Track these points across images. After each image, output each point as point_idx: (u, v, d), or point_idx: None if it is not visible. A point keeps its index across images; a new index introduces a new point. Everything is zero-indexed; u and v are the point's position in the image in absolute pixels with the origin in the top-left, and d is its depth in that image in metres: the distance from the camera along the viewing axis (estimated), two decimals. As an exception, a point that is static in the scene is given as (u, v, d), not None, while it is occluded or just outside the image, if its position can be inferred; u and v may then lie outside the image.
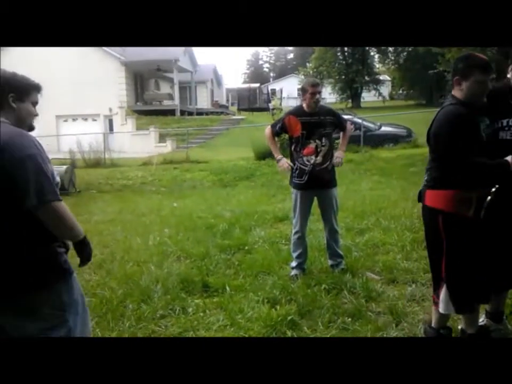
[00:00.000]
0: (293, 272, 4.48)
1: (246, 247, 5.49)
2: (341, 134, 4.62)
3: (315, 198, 4.55)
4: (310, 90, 4.24)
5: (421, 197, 2.94)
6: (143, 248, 5.78)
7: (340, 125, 4.52)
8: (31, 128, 2.19)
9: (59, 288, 2.13)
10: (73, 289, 2.20)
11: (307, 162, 4.33)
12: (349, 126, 4.68)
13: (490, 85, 2.68)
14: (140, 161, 16.49)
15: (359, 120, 14.42)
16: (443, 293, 2.85)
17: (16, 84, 2.12)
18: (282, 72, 71.59)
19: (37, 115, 2.22)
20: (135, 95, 28.15)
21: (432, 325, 3.05)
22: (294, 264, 4.54)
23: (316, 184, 4.37)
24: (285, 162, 4.38)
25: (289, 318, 3.47)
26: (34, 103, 2.21)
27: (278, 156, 4.49)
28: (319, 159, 4.31)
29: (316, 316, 3.57)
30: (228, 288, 4.17)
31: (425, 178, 2.92)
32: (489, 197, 2.65)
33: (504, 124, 2.82)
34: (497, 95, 2.83)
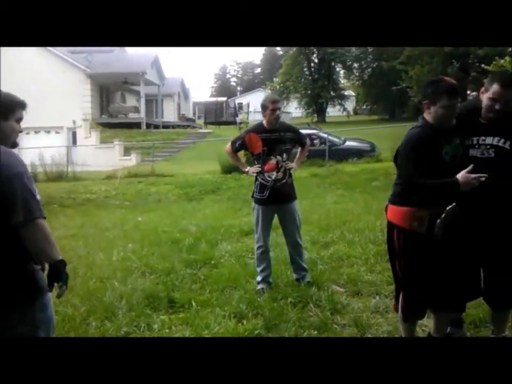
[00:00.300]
0: (259, 286, 4.49)
1: (212, 262, 5.47)
2: (299, 148, 4.71)
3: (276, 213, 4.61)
4: (271, 107, 4.30)
5: (386, 211, 3.10)
6: (107, 263, 5.67)
7: (299, 141, 4.62)
8: (15, 145, 2.22)
9: (34, 305, 2.13)
10: (47, 307, 2.21)
11: (268, 178, 4.39)
12: (308, 142, 4.78)
13: (458, 108, 2.80)
14: (104, 175, 16.25)
15: (325, 135, 14.65)
16: (400, 302, 3.05)
17: (0, 103, 2.13)
18: (249, 86, 72.12)
19: (21, 131, 2.24)
20: (100, 107, 27.82)
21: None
22: (259, 278, 4.56)
23: (277, 199, 4.43)
24: (253, 169, 4.48)
25: (256, 332, 3.48)
26: (19, 120, 2.22)
27: (245, 168, 4.62)
28: (280, 174, 4.39)
29: (282, 329, 3.58)
30: (194, 303, 4.14)
31: (390, 193, 3.05)
32: (443, 215, 2.77)
33: (474, 141, 2.91)
34: (467, 113, 2.95)
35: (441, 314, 3.08)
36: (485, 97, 2.86)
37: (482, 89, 2.91)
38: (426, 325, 3.47)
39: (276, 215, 4.61)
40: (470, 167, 2.72)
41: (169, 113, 35.60)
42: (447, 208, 2.77)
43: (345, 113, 41.65)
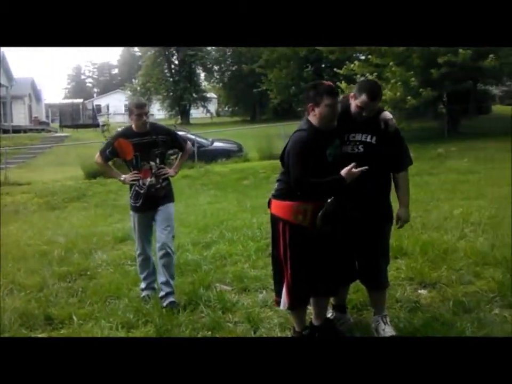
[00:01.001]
0: (144, 293, 4.31)
1: (88, 272, 5.16)
2: (180, 154, 4.45)
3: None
4: (136, 112, 4.01)
5: (269, 204, 3.22)
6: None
7: (176, 144, 4.34)
8: None
9: None
10: None
11: (143, 186, 4.11)
12: (189, 146, 4.50)
13: (339, 107, 3.01)
14: None
15: (192, 137, 14.63)
16: (283, 291, 3.15)
17: None
18: (106, 87, 69.40)
19: None
20: None
21: (296, 329, 3.27)
22: (143, 285, 4.35)
23: (152, 205, 4.17)
24: (129, 176, 4.14)
25: (147, 340, 3.34)
26: None
27: (120, 177, 4.25)
28: (153, 180, 4.11)
29: (175, 334, 3.49)
30: (74, 317, 3.85)
31: (274, 188, 3.16)
32: (323, 208, 2.97)
33: (346, 138, 3.16)
34: (340, 113, 3.13)
35: (320, 300, 3.28)
36: (353, 104, 3.12)
37: (352, 94, 3.18)
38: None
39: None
40: (352, 164, 2.94)
41: (20, 117, 32.88)
42: (327, 201, 2.96)
43: (208, 115, 42.12)
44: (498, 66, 15.72)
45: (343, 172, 2.94)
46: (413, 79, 15.49)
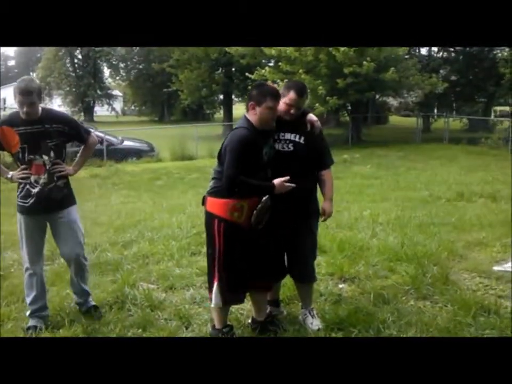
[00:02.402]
0: (30, 323, 3.52)
1: (1, 273, 4.82)
2: (82, 147, 3.75)
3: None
4: (19, 99, 3.25)
5: (204, 202, 3.25)
6: None
7: (76, 135, 3.61)
8: None
9: None
10: None
11: (35, 184, 3.41)
12: (93, 139, 3.75)
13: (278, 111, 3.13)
14: None
15: (101, 134, 14.14)
16: (214, 288, 3.18)
17: None
18: (2, 80, 64.49)
19: None
20: None
21: (216, 326, 3.31)
22: (28, 312, 3.58)
23: (46, 208, 3.46)
24: (18, 173, 3.44)
25: (77, 339, 3.23)
26: None
27: (7, 174, 3.52)
28: (45, 177, 3.42)
29: (104, 332, 3.40)
30: (-9, 319, 3.61)
31: (209, 185, 3.20)
32: (259, 205, 3.05)
33: (276, 137, 3.28)
34: None
35: (257, 296, 3.38)
36: (282, 102, 3.22)
37: (280, 93, 3.26)
38: (243, 309, 3.73)
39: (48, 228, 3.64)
40: (285, 178, 3.05)
41: None
42: (262, 200, 3.05)
43: (113, 113, 40.80)
44: (398, 78, 16.94)
45: (276, 182, 3.04)
46: (320, 87, 16.20)
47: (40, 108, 3.40)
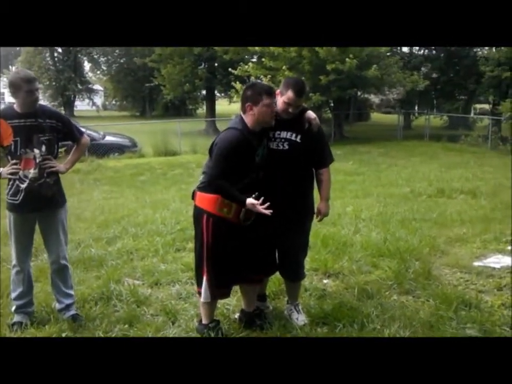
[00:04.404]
0: (15, 318, 3.52)
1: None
2: (74, 147, 3.71)
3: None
4: (25, 88, 3.27)
5: (193, 197, 3.25)
6: None
7: (69, 133, 3.59)
8: None
9: None
10: None
11: (25, 178, 3.38)
12: (85, 139, 3.73)
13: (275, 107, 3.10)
14: None
15: (83, 129, 13.93)
16: (204, 283, 3.20)
17: None
18: (-22, 72, 63.34)
19: None
20: None
21: (203, 321, 3.33)
22: (13, 307, 3.57)
23: (35, 205, 3.43)
24: (7, 169, 3.39)
25: (63, 335, 3.22)
26: None
27: None
28: (36, 172, 3.39)
29: (90, 328, 3.40)
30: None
31: (200, 180, 3.21)
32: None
33: (271, 135, 3.25)
34: None
35: (247, 289, 3.41)
36: (280, 100, 3.20)
37: (278, 91, 3.26)
38: (230, 304, 3.76)
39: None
40: (260, 201, 2.99)
41: None
42: (252, 196, 3.03)
43: (94, 107, 40.35)
44: (380, 76, 17.09)
45: (249, 201, 2.99)
46: (303, 83, 16.24)
47: None
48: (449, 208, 7.14)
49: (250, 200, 3.00)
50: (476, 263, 4.61)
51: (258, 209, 2.98)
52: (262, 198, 2.99)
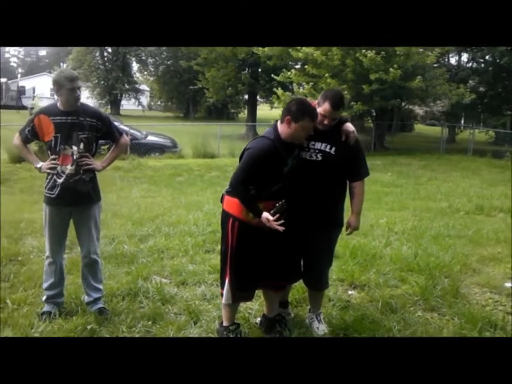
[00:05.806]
0: (45, 308, 3.65)
1: (20, 258, 4.99)
2: (113, 146, 3.83)
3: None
4: (68, 86, 3.40)
5: (222, 200, 3.32)
6: None
7: (108, 133, 3.68)
8: None
9: None
10: None
11: (62, 174, 3.50)
12: (125, 140, 3.85)
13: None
14: None
15: (126, 128, 14.33)
16: (226, 285, 3.25)
17: None
18: (32, 69, 65.90)
19: None
20: None
21: (223, 323, 3.38)
22: (44, 297, 3.70)
23: (69, 199, 3.53)
24: (47, 164, 3.56)
25: (89, 327, 3.34)
26: None
27: (37, 164, 3.62)
28: (73, 168, 3.50)
29: (115, 322, 3.51)
30: (9, 302, 3.75)
31: (229, 183, 3.26)
32: (274, 208, 3.05)
33: (305, 145, 3.26)
34: None
35: (270, 294, 3.44)
36: (317, 111, 3.18)
37: (316, 102, 3.28)
38: (252, 308, 3.80)
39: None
40: (275, 217, 2.99)
41: None
42: (278, 204, 3.06)
43: (140, 107, 41.27)
44: (425, 87, 16.78)
45: (264, 215, 3.01)
46: (346, 92, 16.14)
47: None
48: (486, 226, 6.96)
49: (265, 215, 3.02)
50: (508, 284, 4.49)
51: (272, 225, 3.00)
52: (278, 215, 3.00)
